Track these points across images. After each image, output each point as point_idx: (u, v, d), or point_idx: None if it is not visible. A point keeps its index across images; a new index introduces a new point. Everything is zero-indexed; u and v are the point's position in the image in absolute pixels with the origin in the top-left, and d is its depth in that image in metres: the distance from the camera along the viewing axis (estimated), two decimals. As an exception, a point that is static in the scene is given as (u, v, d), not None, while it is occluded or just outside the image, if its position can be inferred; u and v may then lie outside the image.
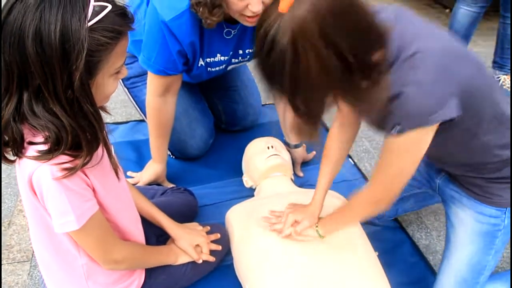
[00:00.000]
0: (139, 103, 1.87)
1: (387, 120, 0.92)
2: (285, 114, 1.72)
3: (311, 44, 0.78)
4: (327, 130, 1.94)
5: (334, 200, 1.39)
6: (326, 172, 1.29)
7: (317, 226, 1.27)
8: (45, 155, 0.82)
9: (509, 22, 2.40)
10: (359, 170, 1.87)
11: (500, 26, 2.48)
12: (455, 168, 1.16)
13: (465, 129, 0.98)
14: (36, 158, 0.83)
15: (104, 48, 0.80)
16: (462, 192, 1.18)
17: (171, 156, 1.87)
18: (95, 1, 0.79)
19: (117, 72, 0.88)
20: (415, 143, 0.95)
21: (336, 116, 1.26)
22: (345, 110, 1.19)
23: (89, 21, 0.77)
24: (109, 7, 0.80)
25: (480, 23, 2.54)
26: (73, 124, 0.81)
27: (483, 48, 2.92)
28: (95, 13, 0.79)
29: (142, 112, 1.84)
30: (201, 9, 1.27)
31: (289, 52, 0.79)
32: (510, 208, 1.13)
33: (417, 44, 0.88)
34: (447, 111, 0.88)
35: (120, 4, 0.85)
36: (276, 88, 0.87)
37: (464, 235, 1.18)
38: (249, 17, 1.27)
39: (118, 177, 0.98)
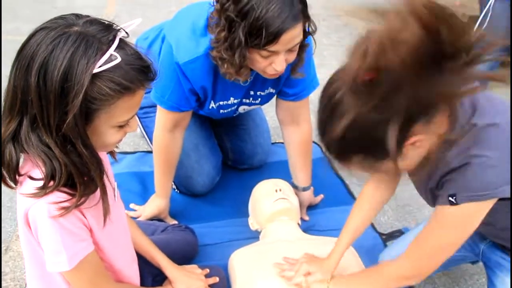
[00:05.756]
0: (149, 134, 1.85)
1: (444, 187, 0.89)
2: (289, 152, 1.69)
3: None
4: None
5: (350, 256, 1.33)
6: (350, 229, 1.24)
7: (328, 283, 1.22)
8: (40, 191, 0.81)
9: None
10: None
11: None
12: (505, 240, 1.11)
13: None
14: (32, 195, 0.81)
15: (104, 98, 0.79)
16: None
17: (176, 190, 1.85)
18: (115, 50, 0.78)
19: (122, 125, 0.86)
20: (469, 217, 0.91)
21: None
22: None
23: (99, 67, 0.76)
24: (118, 59, 0.78)
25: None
26: (65, 158, 0.80)
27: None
28: (108, 60, 0.77)
29: (151, 143, 1.83)
30: (225, 66, 1.26)
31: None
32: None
33: (494, 118, 0.86)
34: (508, 188, 0.85)
35: (146, 59, 0.83)
36: None
37: None
38: (271, 74, 1.29)
39: (104, 224, 0.93)
